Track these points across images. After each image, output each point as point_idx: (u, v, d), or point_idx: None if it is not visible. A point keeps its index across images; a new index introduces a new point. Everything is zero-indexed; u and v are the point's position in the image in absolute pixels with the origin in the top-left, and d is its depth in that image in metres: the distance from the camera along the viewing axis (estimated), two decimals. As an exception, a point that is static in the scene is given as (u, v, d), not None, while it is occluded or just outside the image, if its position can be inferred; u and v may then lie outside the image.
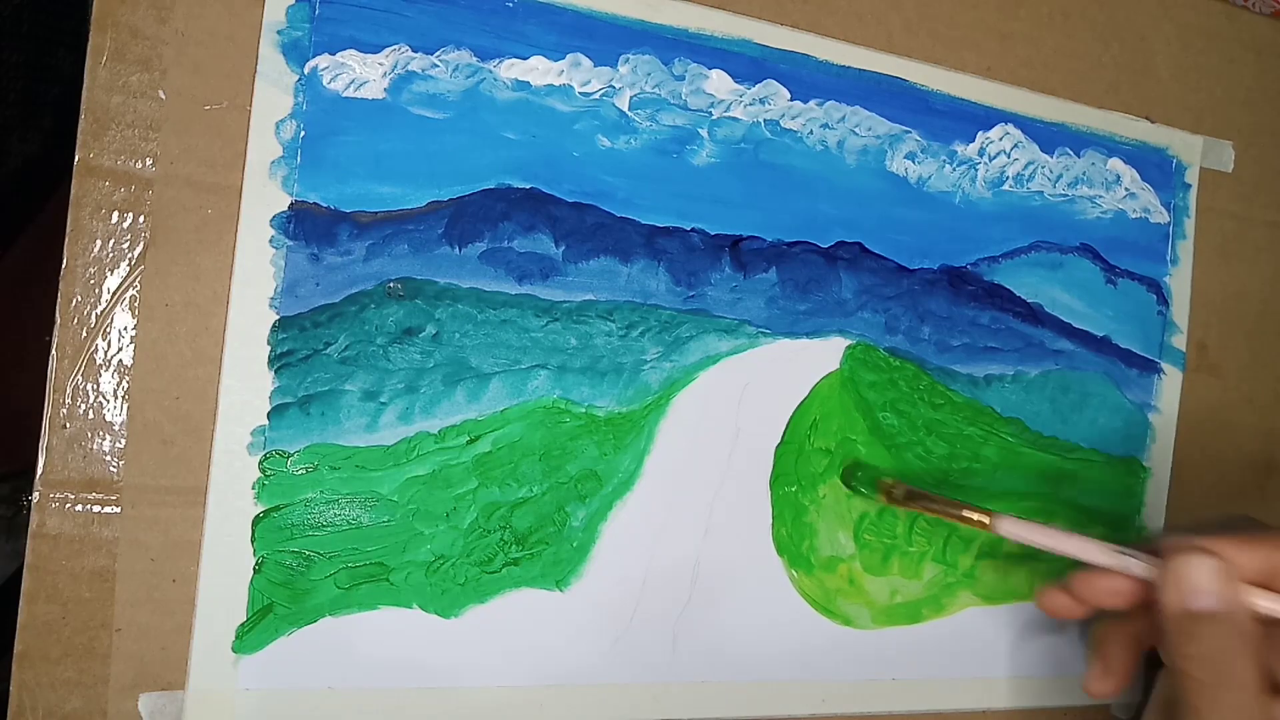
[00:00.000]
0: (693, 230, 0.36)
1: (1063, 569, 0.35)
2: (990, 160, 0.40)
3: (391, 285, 0.32)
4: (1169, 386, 0.44)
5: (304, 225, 0.31)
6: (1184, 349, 0.44)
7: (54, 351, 0.29)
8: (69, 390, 0.29)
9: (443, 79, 0.33)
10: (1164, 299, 0.43)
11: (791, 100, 0.37)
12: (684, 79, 0.36)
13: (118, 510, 0.30)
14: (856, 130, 0.38)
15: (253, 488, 0.31)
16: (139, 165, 0.30)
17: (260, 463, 0.31)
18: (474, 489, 0.33)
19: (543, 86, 0.34)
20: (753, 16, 0.36)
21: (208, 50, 0.30)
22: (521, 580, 0.34)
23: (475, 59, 0.33)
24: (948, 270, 0.39)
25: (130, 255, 0.30)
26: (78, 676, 0.29)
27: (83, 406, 0.29)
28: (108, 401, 0.30)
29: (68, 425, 0.29)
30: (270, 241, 0.31)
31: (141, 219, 0.30)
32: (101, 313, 0.29)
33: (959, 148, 0.40)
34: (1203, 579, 0.31)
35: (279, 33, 0.31)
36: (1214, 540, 0.32)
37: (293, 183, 0.31)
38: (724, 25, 0.36)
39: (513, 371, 0.34)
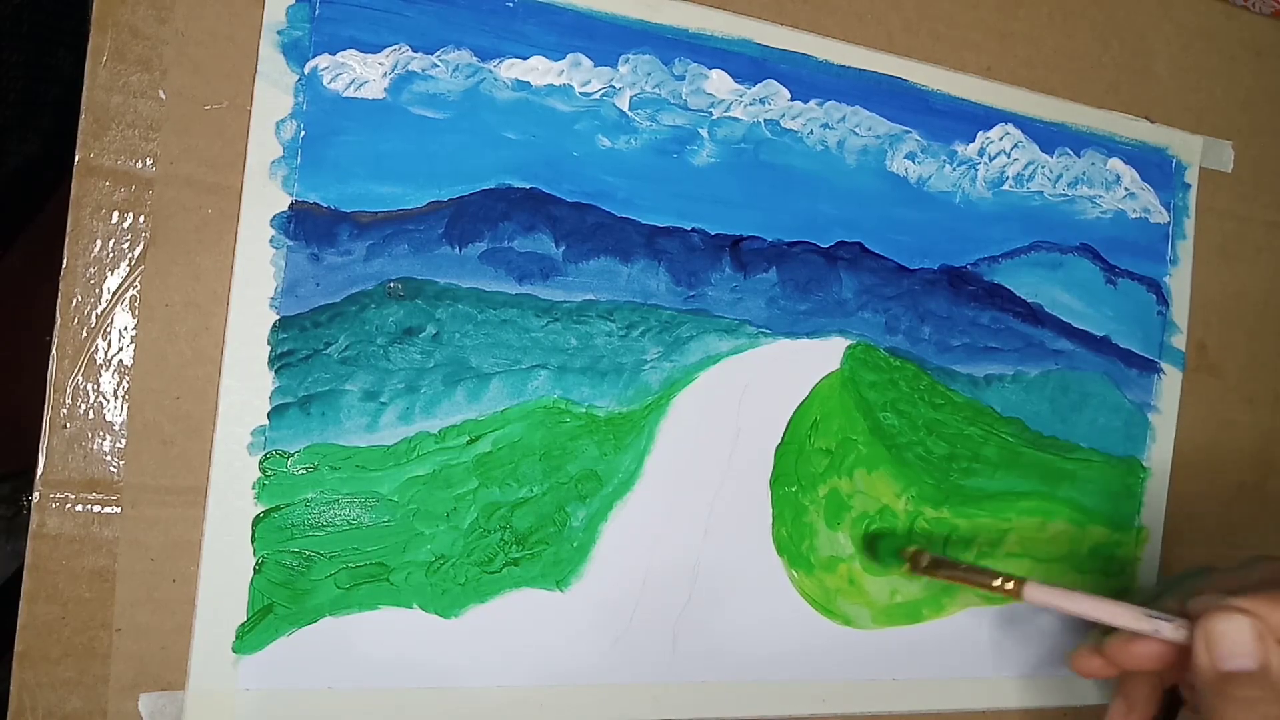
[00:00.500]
0: (693, 230, 0.36)
1: (1063, 571, 0.35)
2: (990, 160, 0.40)
3: (392, 285, 0.32)
4: (1169, 386, 0.44)
5: (304, 225, 0.31)
6: (1184, 349, 0.44)
7: (54, 351, 0.29)
8: (69, 390, 0.29)
9: (443, 79, 0.33)
10: (1164, 299, 0.43)
11: (791, 100, 0.37)
12: (684, 79, 0.36)
13: (118, 510, 0.30)
14: (856, 130, 0.38)
15: (253, 488, 0.31)
16: (139, 165, 0.30)
17: (260, 463, 0.31)
18: (474, 489, 0.33)
19: (543, 86, 0.34)
20: (753, 16, 0.36)
21: (208, 50, 0.30)
22: (522, 580, 0.34)
23: (475, 59, 0.33)
24: (948, 270, 0.39)
25: (130, 255, 0.30)
26: (78, 676, 0.29)
27: (83, 406, 0.29)
28: (108, 401, 0.30)
29: (68, 425, 0.29)
30: (270, 241, 0.31)
31: (141, 219, 0.30)
32: (101, 313, 0.29)
33: (959, 148, 0.40)
34: (1238, 640, 0.30)
35: (279, 33, 0.31)
36: (1246, 599, 0.31)
37: (293, 183, 0.31)
38: (724, 25, 0.36)
39: (513, 371, 0.34)
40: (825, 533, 0.38)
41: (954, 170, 0.40)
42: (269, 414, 0.31)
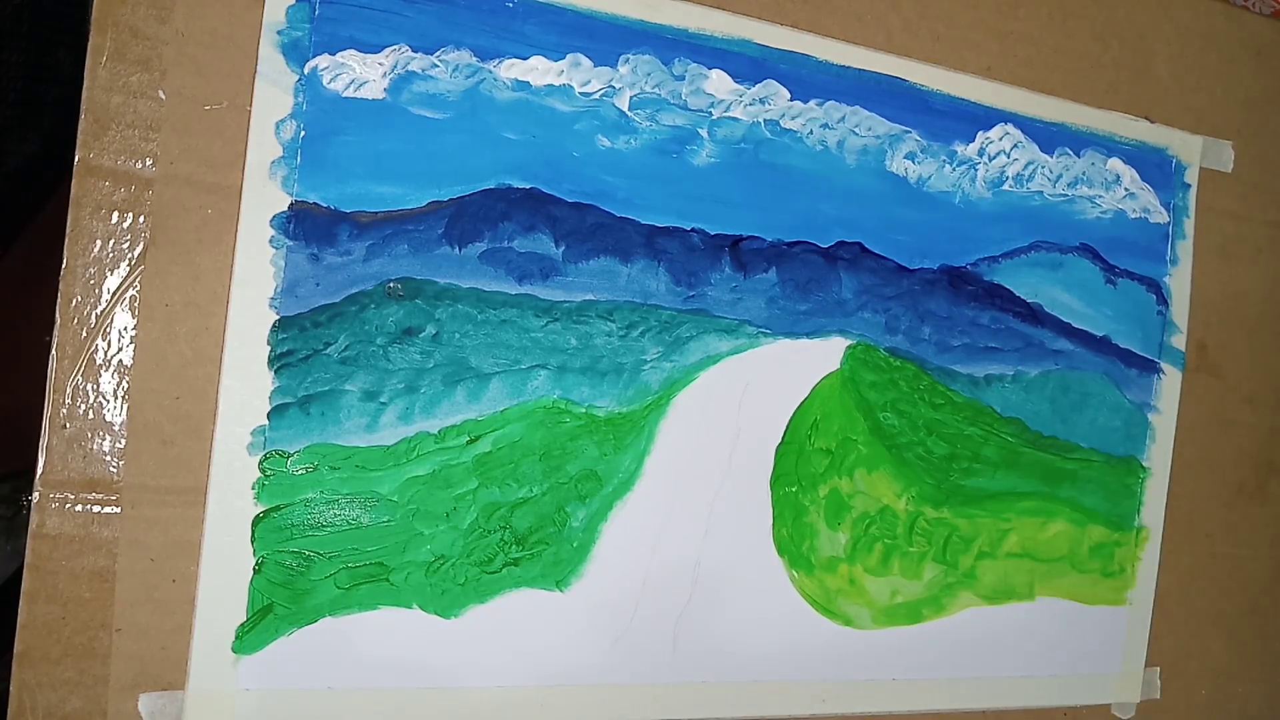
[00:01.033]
0: (693, 230, 0.36)
1: (1062, 567, 0.35)
2: (990, 160, 0.40)
3: (391, 285, 0.32)
4: (1169, 386, 0.44)
5: (304, 225, 0.31)
6: (1184, 349, 0.44)
7: (54, 351, 0.29)
8: (69, 390, 0.29)
9: (443, 79, 0.33)
10: (1164, 299, 0.43)
11: (791, 100, 0.37)
12: (684, 79, 0.36)
13: (118, 510, 0.30)
14: (856, 130, 0.38)
15: (253, 488, 0.31)
16: (139, 165, 0.30)
17: (260, 463, 0.31)
18: (474, 489, 0.33)
19: (543, 86, 0.34)
20: (753, 16, 0.36)
21: (208, 50, 0.30)
22: (522, 580, 0.34)
23: (475, 59, 0.33)
24: (948, 270, 0.39)
25: (130, 255, 0.30)
26: (78, 676, 0.29)
27: (83, 406, 0.29)
28: (108, 401, 0.30)
29: (68, 425, 0.29)
30: (270, 241, 0.31)
31: (141, 219, 0.30)
32: (101, 313, 0.29)
33: (959, 148, 0.40)
34: None
35: (279, 33, 0.31)
36: None
37: (293, 183, 0.31)
38: (724, 25, 0.36)
39: (513, 371, 0.34)
40: (826, 533, 0.38)
41: (954, 170, 0.40)
42: (269, 414, 0.31)
